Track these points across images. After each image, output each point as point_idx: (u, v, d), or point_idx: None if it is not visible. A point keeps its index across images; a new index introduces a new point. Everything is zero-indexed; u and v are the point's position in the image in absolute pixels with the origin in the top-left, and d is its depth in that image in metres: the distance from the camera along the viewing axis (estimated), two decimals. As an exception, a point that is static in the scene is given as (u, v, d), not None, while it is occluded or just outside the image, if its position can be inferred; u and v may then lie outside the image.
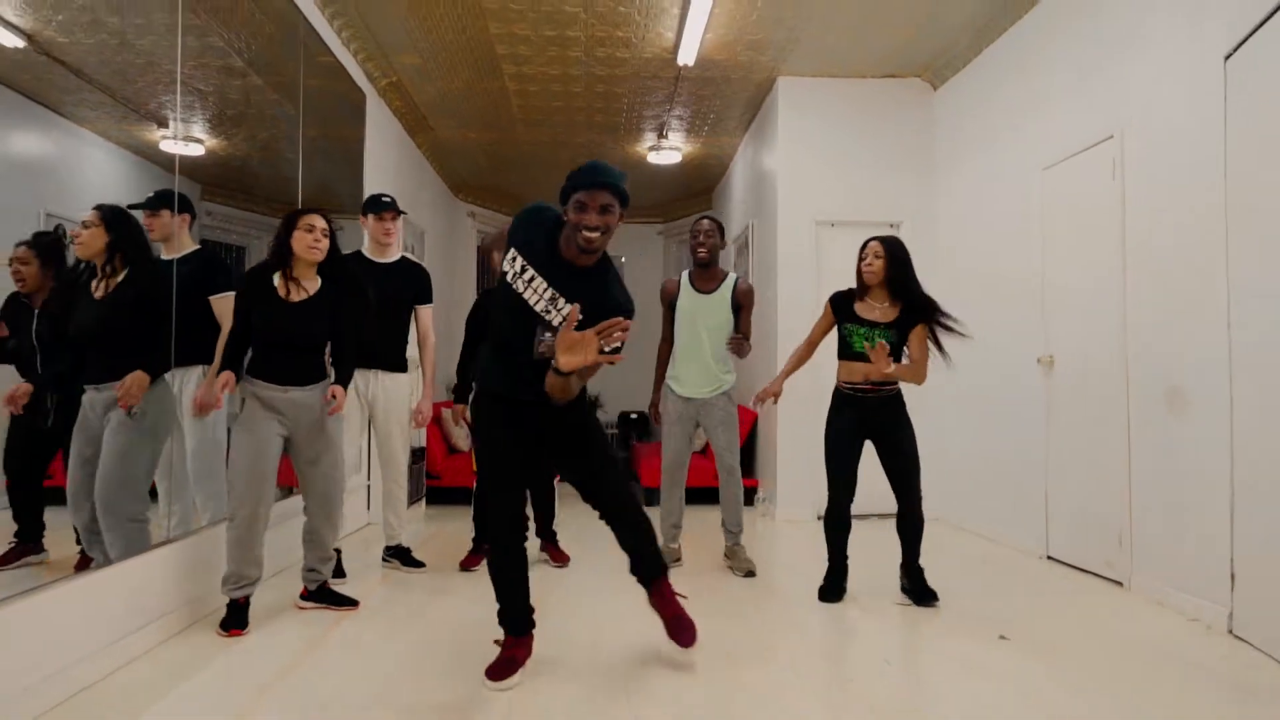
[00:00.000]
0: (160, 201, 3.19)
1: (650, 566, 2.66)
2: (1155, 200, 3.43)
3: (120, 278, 2.76)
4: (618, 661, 2.63)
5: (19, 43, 2.61)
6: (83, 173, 3.16)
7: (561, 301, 2.33)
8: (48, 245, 2.75)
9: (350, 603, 3.21)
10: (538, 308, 2.34)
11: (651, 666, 2.60)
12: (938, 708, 2.35)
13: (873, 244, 3.30)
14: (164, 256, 3.20)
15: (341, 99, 4.96)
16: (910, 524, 3.34)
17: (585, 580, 3.75)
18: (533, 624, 2.55)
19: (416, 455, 5.22)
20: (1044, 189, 4.23)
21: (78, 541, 2.66)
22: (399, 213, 3.80)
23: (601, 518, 2.64)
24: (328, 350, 3.19)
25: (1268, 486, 2.74)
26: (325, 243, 3.03)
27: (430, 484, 6.09)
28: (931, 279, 5.44)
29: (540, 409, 2.43)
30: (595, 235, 2.25)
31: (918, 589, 3.34)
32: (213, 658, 2.66)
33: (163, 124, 3.62)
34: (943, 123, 5.48)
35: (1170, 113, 3.35)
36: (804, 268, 5.51)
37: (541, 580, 3.64)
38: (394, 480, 3.83)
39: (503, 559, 2.49)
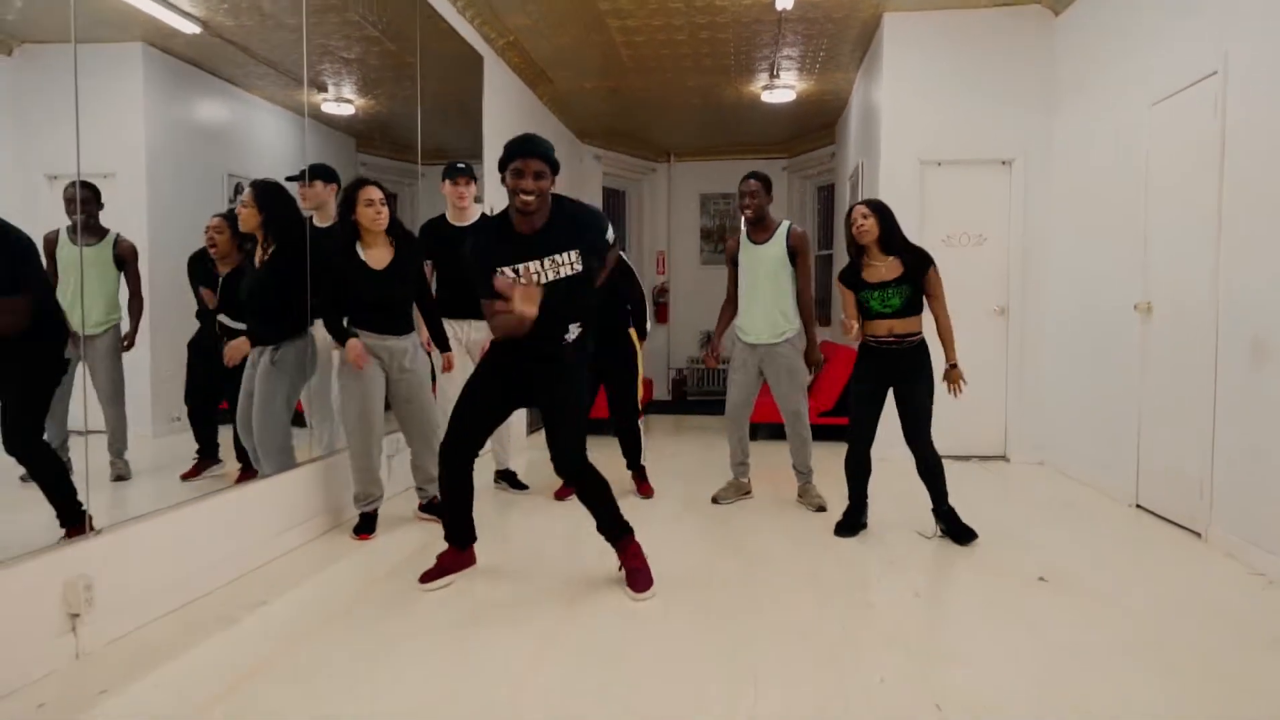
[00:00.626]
0: (312, 175, 3.70)
1: (609, 530, 2.92)
2: (1255, 141, 3.25)
3: (272, 249, 3.30)
4: (663, 580, 2.99)
5: (195, 29, 3.17)
6: (257, 135, 3.74)
7: (533, 264, 2.70)
8: (237, 219, 3.31)
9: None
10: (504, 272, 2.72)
11: (700, 583, 2.95)
12: (949, 639, 2.56)
13: (859, 207, 3.50)
14: (318, 224, 3.70)
15: (460, 60, 5.38)
16: (927, 468, 3.47)
17: (663, 509, 4.13)
18: (471, 538, 3.00)
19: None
20: (1152, 126, 4.03)
21: (239, 458, 3.32)
22: (472, 178, 4.08)
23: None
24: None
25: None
26: (385, 211, 3.40)
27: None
28: (1046, 218, 5.30)
29: (529, 354, 2.80)
30: (530, 198, 2.60)
31: (954, 529, 3.48)
32: (343, 555, 3.28)
33: (321, 88, 4.17)
34: (1063, 53, 5.18)
35: (1268, 46, 3.14)
36: (908, 209, 5.43)
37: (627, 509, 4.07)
38: None
39: (446, 475, 2.91)
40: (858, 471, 3.62)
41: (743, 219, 4.09)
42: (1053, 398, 5.21)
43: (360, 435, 3.46)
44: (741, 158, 9.52)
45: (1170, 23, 3.87)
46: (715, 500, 4.18)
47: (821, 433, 6.19)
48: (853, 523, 3.62)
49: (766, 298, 3.99)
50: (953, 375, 3.48)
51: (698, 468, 5.19)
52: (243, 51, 3.61)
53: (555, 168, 2.66)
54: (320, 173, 3.75)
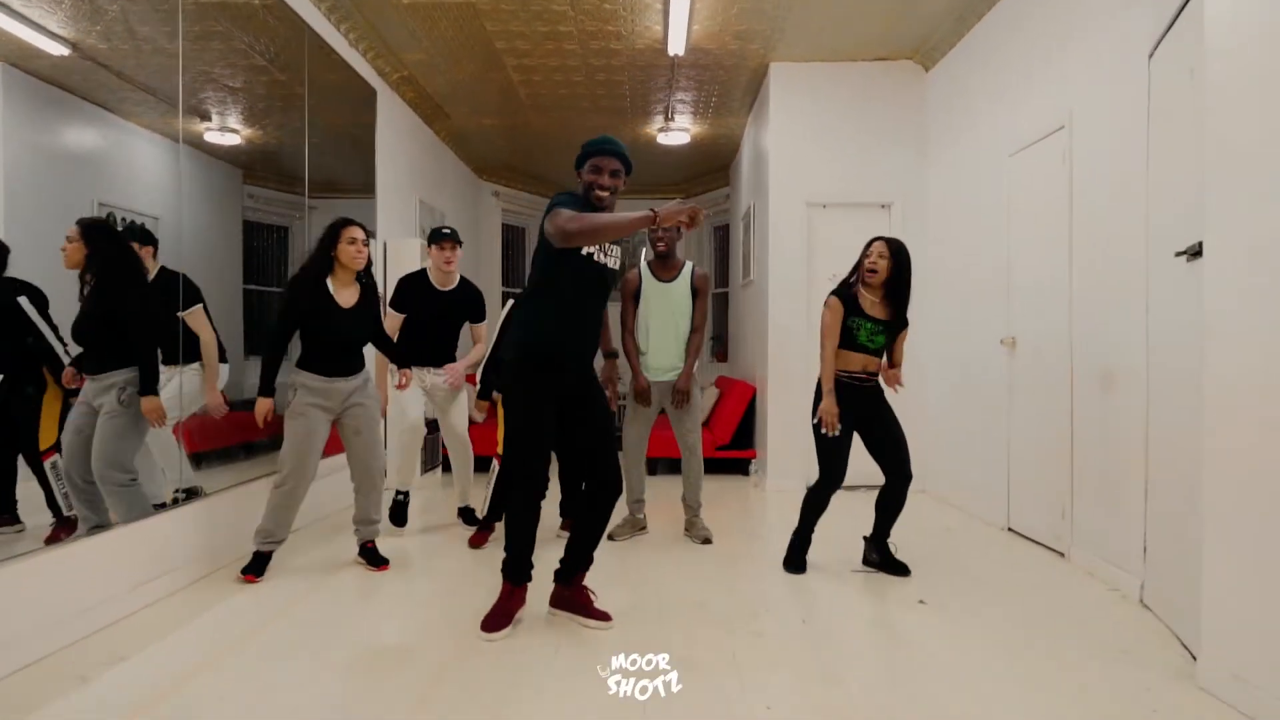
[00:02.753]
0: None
1: (588, 554, 3.01)
2: (1094, 190, 3.58)
3: (91, 288, 2.95)
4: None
5: (64, 50, 2.97)
6: (134, 164, 3.53)
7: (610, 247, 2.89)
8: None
9: (381, 561, 3.60)
10: (607, 263, 2.88)
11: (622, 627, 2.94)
12: (833, 661, 2.63)
13: (879, 244, 3.42)
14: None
15: (352, 93, 5.31)
16: (896, 497, 3.52)
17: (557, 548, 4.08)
18: (530, 576, 2.95)
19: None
20: (1011, 176, 4.37)
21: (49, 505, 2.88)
22: (458, 243, 4.21)
23: (586, 493, 2.98)
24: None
25: (1175, 464, 2.91)
26: (366, 251, 3.47)
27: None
28: (921, 260, 5.59)
29: (577, 377, 2.89)
30: (605, 195, 2.85)
31: (889, 562, 3.57)
32: (219, 600, 3.10)
33: (205, 117, 3.99)
34: (933, 105, 5.58)
35: (1105, 106, 3.48)
36: (795, 249, 5.71)
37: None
38: (460, 451, 4.38)
39: (526, 515, 2.89)
40: (817, 509, 3.56)
41: (646, 257, 4.19)
42: (930, 428, 5.48)
43: (291, 480, 3.37)
44: (639, 197, 9.68)
45: (1025, 79, 4.23)
46: (611, 537, 4.15)
47: (718, 466, 6.31)
48: (801, 560, 3.60)
49: (673, 334, 4.08)
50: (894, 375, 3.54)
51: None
52: (117, 76, 3.45)
53: (629, 170, 2.90)
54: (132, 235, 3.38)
